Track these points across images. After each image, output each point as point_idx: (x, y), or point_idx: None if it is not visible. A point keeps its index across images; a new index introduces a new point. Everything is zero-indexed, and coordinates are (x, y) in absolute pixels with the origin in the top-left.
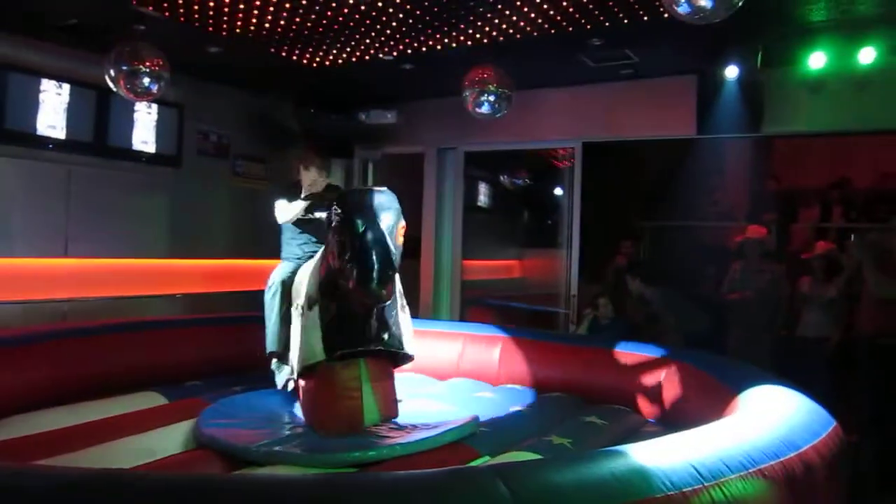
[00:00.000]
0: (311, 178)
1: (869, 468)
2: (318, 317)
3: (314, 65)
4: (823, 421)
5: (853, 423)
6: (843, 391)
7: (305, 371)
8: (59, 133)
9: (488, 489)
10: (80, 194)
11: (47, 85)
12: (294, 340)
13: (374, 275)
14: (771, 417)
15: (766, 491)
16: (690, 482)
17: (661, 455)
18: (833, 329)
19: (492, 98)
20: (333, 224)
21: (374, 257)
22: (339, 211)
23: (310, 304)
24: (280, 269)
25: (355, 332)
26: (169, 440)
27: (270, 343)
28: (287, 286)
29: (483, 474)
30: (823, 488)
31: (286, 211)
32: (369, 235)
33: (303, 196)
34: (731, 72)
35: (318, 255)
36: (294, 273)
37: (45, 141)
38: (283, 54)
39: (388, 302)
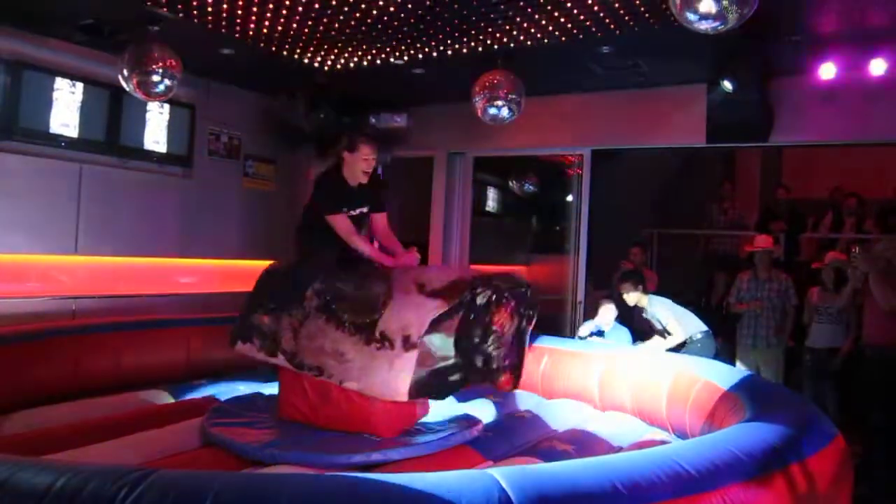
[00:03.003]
0: (364, 157)
1: (878, 479)
2: (412, 360)
3: (326, 68)
4: (827, 431)
5: (861, 434)
6: (851, 402)
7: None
8: (72, 131)
9: (492, 493)
10: (91, 193)
11: (61, 83)
12: (350, 354)
13: (519, 374)
14: (775, 426)
15: (769, 500)
16: (694, 489)
17: (663, 462)
18: (842, 340)
19: (501, 104)
20: (488, 302)
21: (522, 358)
22: (498, 297)
23: (406, 346)
24: None
25: (446, 385)
26: (175, 438)
27: None
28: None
29: (486, 478)
30: (826, 498)
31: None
32: (527, 338)
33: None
34: (728, 84)
35: (401, 281)
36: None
37: (58, 139)
38: (296, 57)
39: None
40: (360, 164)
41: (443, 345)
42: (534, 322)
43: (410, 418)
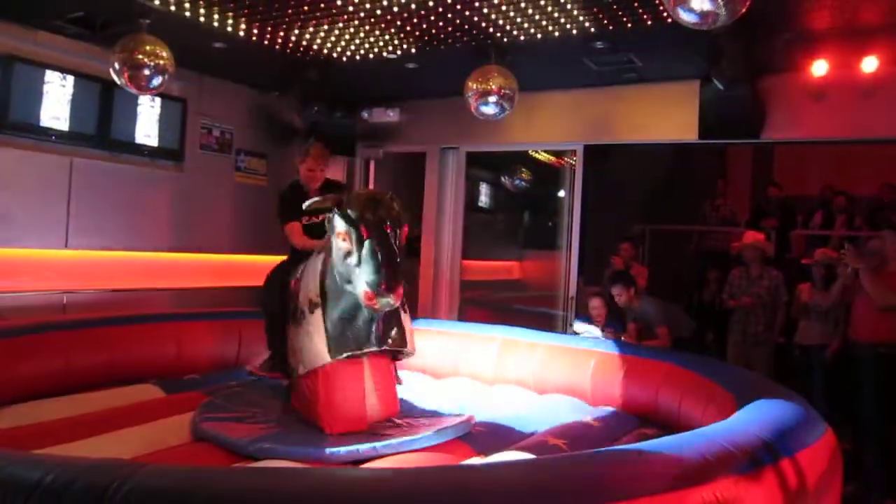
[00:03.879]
0: (308, 168)
1: (868, 475)
2: (320, 320)
3: (318, 62)
4: (817, 426)
5: (851, 430)
6: (840, 399)
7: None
8: (63, 125)
9: (480, 487)
10: (81, 186)
11: (52, 76)
12: (296, 343)
13: (385, 282)
14: (765, 422)
15: (759, 495)
16: (683, 484)
17: (653, 457)
18: (831, 337)
19: (494, 99)
20: (337, 228)
21: (384, 264)
22: (343, 215)
23: (311, 307)
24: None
25: (361, 333)
26: (166, 433)
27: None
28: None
29: (476, 472)
30: (816, 493)
31: (296, 234)
32: (376, 241)
33: (305, 205)
34: (718, 80)
35: (313, 259)
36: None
37: (49, 132)
38: (288, 51)
39: None
40: (305, 174)
41: (333, 290)
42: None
43: (359, 421)
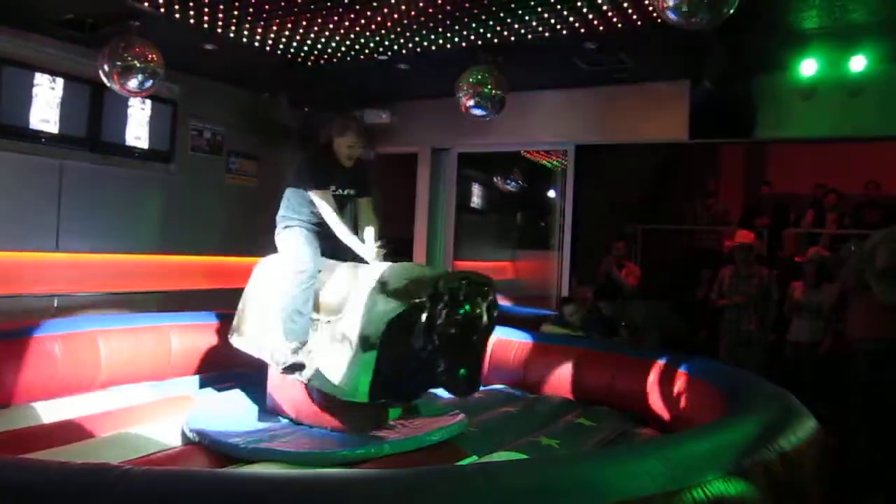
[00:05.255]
0: (349, 144)
1: (857, 470)
2: (372, 361)
3: (309, 63)
4: (807, 423)
5: (842, 428)
6: (832, 395)
7: None
8: (53, 127)
9: (474, 488)
10: (72, 189)
11: (41, 79)
12: (330, 360)
13: (474, 382)
14: (754, 419)
15: (748, 491)
16: (673, 482)
17: (644, 456)
18: (823, 334)
19: (486, 100)
20: (444, 301)
21: (477, 366)
22: (459, 291)
23: (365, 346)
24: (305, 250)
25: (406, 390)
26: (158, 436)
27: (296, 333)
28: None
29: (469, 473)
30: (805, 489)
31: (324, 201)
32: (480, 346)
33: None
34: (708, 79)
35: (373, 295)
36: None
37: (38, 135)
38: (279, 52)
39: None
40: (344, 150)
41: (402, 347)
42: (494, 323)
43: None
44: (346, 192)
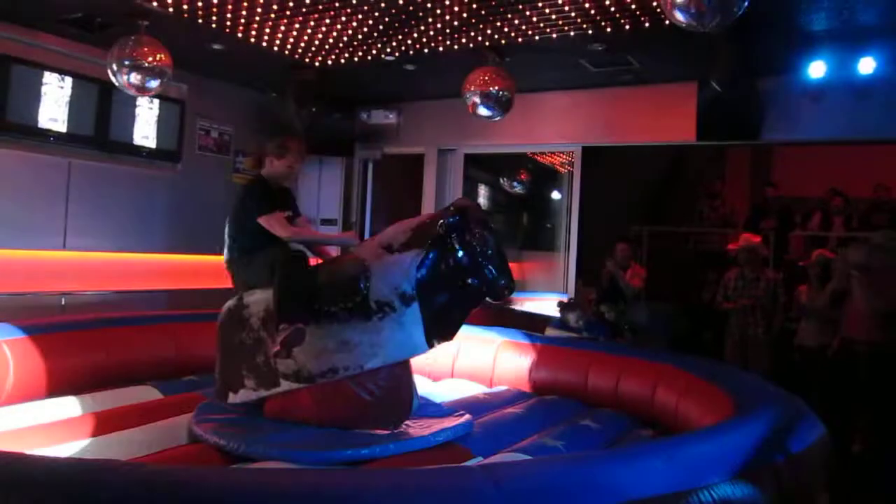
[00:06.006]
0: (287, 165)
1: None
2: (417, 312)
3: (317, 64)
4: (814, 427)
5: (855, 431)
6: (838, 399)
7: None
8: (61, 126)
9: (478, 488)
10: (79, 188)
11: (50, 78)
12: (360, 337)
13: (510, 276)
14: (762, 422)
15: (754, 495)
16: (679, 485)
17: (650, 457)
18: (830, 337)
19: (493, 101)
20: (452, 232)
21: (506, 261)
22: (459, 220)
23: (406, 301)
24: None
25: (453, 321)
26: (164, 434)
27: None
28: None
29: (473, 473)
30: (812, 493)
31: (283, 224)
32: (496, 245)
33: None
34: (716, 81)
35: (387, 260)
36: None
37: (47, 134)
38: (286, 53)
39: None
40: (284, 170)
41: (434, 285)
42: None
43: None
44: (287, 214)
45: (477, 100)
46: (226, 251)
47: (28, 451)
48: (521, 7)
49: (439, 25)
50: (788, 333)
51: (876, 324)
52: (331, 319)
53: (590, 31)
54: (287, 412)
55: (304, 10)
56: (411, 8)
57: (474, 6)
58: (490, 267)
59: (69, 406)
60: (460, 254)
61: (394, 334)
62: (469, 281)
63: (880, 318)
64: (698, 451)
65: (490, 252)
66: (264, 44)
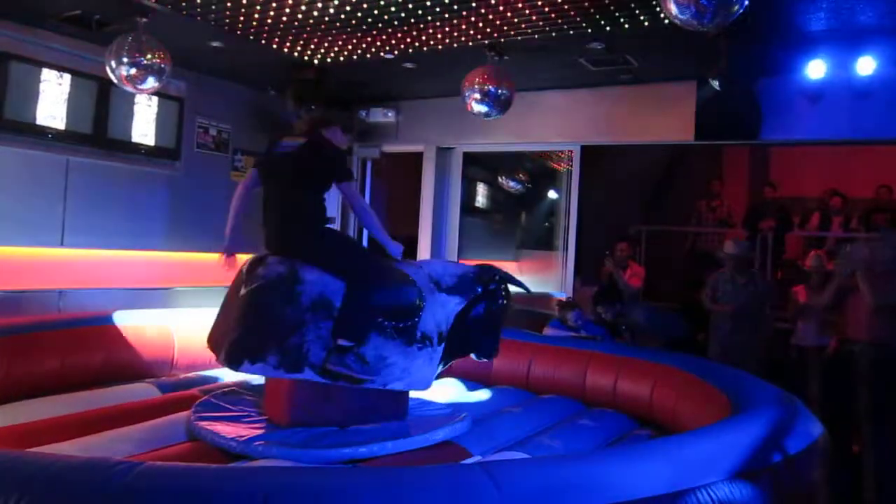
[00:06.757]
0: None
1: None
2: (440, 351)
3: (315, 61)
4: (812, 428)
5: (847, 430)
6: (836, 399)
7: None
8: (59, 123)
9: (477, 487)
10: (77, 185)
11: (48, 75)
12: (405, 365)
13: (497, 347)
14: (761, 423)
15: (753, 495)
16: (677, 485)
17: (648, 457)
18: (828, 337)
19: (492, 99)
20: (489, 298)
21: (498, 335)
22: (499, 289)
23: (440, 340)
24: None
25: (450, 354)
26: (162, 432)
27: None
28: None
29: (472, 472)
30: (810, 493)
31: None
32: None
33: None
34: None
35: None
36: None
37: (45, 131)
38: (285, 50)
39: None
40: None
41: (455, 331)
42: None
43: None
44: None
45: (476, 98)
46: (282, 205)
47: (25, 449)
48: (520, 5)
49: (438, 24)
50: (782, 334)
51: (881, 320)
52: (379, 331)
53: (589, 30)
54: (287, 410)
55: (303, 6)
56: (410, 5)
57: (473, 4)
58: (495, 332)
59: (67, 403)
60: (483, 313)
61: (423, 367)
62: (469, 331)
63: (887, 313)
64: (696, 450)
65: (499, 322)
66: (263, 41)
